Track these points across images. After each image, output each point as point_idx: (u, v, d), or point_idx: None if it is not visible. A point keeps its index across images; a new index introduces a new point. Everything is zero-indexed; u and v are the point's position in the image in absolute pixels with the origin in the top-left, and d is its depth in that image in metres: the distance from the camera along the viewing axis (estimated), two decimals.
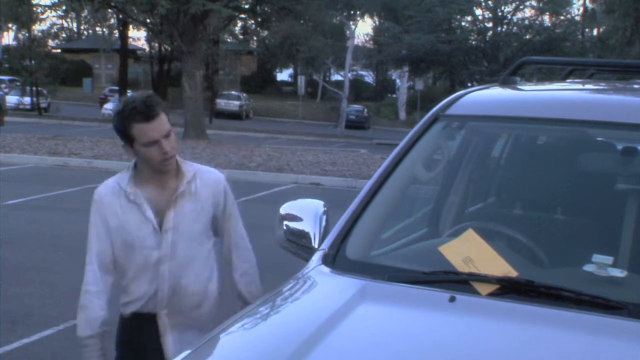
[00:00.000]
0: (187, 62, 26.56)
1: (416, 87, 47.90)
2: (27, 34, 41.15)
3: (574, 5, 52.03)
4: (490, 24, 40.37)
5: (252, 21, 34.49)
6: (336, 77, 60.93)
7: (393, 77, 60.97)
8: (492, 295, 2.13)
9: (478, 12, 40.69)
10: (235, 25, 44.43)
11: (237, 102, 48.09)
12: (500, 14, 39.87)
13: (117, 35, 48.97)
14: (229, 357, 2.07)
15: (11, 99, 38.91)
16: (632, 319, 1.99)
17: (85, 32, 70.86)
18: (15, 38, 52.36)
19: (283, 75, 67.07)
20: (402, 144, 2.86)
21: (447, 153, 3.13)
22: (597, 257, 2.19)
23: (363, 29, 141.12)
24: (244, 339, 2.15)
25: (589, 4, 44.66)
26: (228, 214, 3.10)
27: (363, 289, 2.23)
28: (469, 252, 2.28)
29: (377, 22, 55.93)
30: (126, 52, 42.27)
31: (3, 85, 42.69)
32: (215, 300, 3.10)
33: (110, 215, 2.95)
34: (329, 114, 48.41)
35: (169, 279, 2.96)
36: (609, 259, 2.19)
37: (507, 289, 2.14)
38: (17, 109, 38.06)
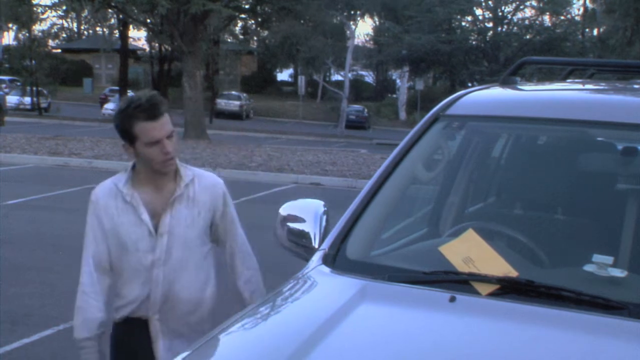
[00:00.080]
0: (188, 62, 26.56)
1: (416, 87, 47.90)
2: (27, 34, 41.17)
3: (574, 5, 52.06)
4: (490, 24, 40.38)
5: (253, 21, 34.53)
6: (336, 77, 60.95)
7: (393, 77, 60.96)
8: (492, 295, 2.13)
9: (478, 12, 40.72)
10: (236, 25, 44.48)
11: (237, 102, 48.09)
12: (500, 14, 39.87)
13: (117, 35, 48.98)
14: (229, 357, 2.07)
15: (11, 99, 38.91)
16: (633, 319, 1.99)
17: (85, 32, 70.87)
18: (16, 38, 52.43)
19: (283, 75, 67.07)
20: (402, 144, 2.86)
21: (448, 153, 3.13)
22: (597, 257, 2.19)
23: (363, 29, 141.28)
24: (244, 339, 2.15)
25: (589, 4, 44.69)
26: (229, 220, 3.05)
27: (363, 289, 2.23)
28: (469, 252, 2.28)
29: (377, 22, 55.92)
30: (126, 52, 42.26)
31: (3, 85, 42.70)
32: (209, 309, 3.04)
33: (105, 216, 2.92)
34: (329, 114, 48.41)
35: (163, 283, 2.92)
36: (609, 259, 2.19)
37: (508, 289, 2.14)
38: (18, 109, 38.07)
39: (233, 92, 49.67)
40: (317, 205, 2.79)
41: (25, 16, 36.97)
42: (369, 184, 2.75)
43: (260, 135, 35.10)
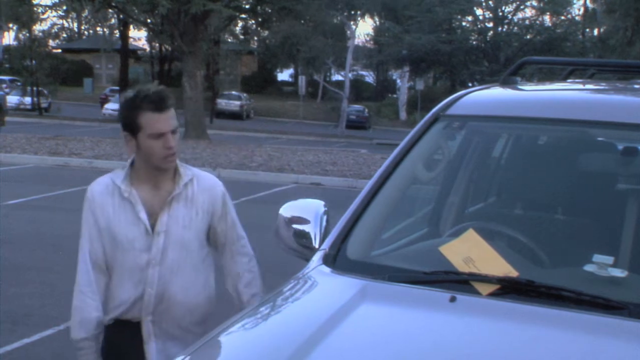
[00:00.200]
0: (188, 62, 26.58)
1: (417, 87, 47.92)
2: (27, 34, 41.18)
3: (575, 5, 52.08)
4: (490, 24, 40.36)
5: (253, 21, 34.55)
6: (337, 77, 60.96)
7: (394, 77, 60.95)
8: (492, 295, 2.13)
9: (479, 12, 40.70)
10: (236, 25, 44.56)
11: (237, 102, 48.09)
12: (500, 14, 39.86)
13: (117, 35, 49.04)
14: (229, 357, 2.07)
15: (12, 99, 38.89)
16: (633, 319, 1.99)
17: (85, 32, 70.88)
18: (16, 38, 52.53)
19: (284, 75, 67.06)
20: (402, 144, 2.86)
21: (448, 153, 3.13)
22: (597, 257, 2.19)
23: (363, 29, 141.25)
24: (244, 339, 2.15)
25: (589, 4, 44.67)
26: (230, 222, 2.99)
27: (364, 289, 2.23)
28: (470, 252, 2.28)
29: (377, 22, 55.91)
30: (127, 52, 42.30)
31: (4, 85, 42.71)
32: (205, 313, 2.98)
33: (101, 213, 2.86)
34: (329, 114, 48.40)
35: (157, 284, 2.85)
36: (609, 259, 2.19)
37: (508, 289, 2.14)
38: (18, 109, 38.05)
39: (233, 92, 49.66)
40: (317, 205, 2.79)
41: (25, 16, 36.99)
42: (369, 184, 2.75)
43: (260, 135, 35.10)
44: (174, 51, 36.29)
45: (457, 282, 2.20)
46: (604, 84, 3.59)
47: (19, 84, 41.81)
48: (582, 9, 45.61)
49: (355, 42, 45.98)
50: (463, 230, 2.46)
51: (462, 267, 2.24)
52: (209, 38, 34.60)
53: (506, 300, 2.11)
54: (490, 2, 39.95)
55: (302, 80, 47.93)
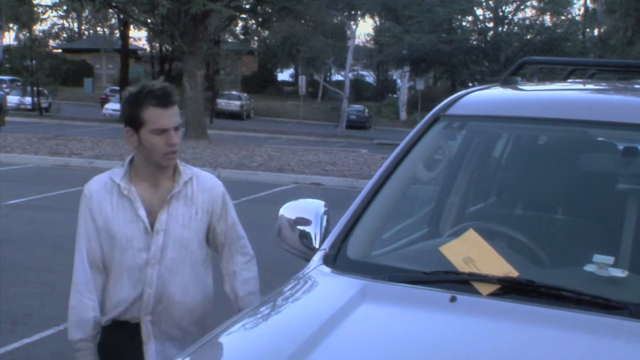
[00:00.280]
0: (188, 62, 26.58)
1: (417, 87, 47.92)
2: (28, 34, 41.14)
3: (575, 5, 52.08)
4: (491, 24, 40.34)
5: (253, 21, 34.57)
6: (337, 77, 60.94)
7: (394, 77, 60.95)
8: (492, 295, 2.13)
9: (479, 12, 40.68)
10: (236, 25, 44.56)
11: (237, 102, 48.09)
12: (501, 14, 39.84)
13: (118, 35, 49.01)
14: (229, 357, 2.07)
15: (12, 99, 38.89)
16: (633, 319, 1.99)
17: (86, 32, 70.87)
18: (16, 38, 52.48)
19: (284, 75, 67.07)
20: (403, 144, 2.86)
21: (448, 153, 3.13)
22: (598, 257, 2.19)
23: (364, 29, 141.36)
24: (244, 339, 2.15)
25: (589, 4, 44.66)
26: (230, 222, 2.96)
27: (364, 289, 2.23)
28: (470, 252, 2.28)
29: (377, 22, 55.89)
30: (127, 52, 42.29)
31: (4, 85, 42.71)
32: (204, 313, 2.95)
33: (99, 212, 2.82)
34: (329, 114, 48.39)
35: (157, 283, 2.81)
36: (609, 259, 2.19)
37: (508, 289, 2.14)
38: (18, 109, 38.05)
39: (234, 92, 49.67)
40: (317, 205, 2.79)
41: (26, 16, 37.00)
42: (369, 184, 2.75)
43: (260, 135, 35.10)
44: (174, 51, 36.30)
45: (458, 282, 2.20)
46: (604, 84, 3.59)
47: (19, 84, 41.82)
48: (582, 9, 45.64)
49: (356, 42, 45.97)
50: (463, 230, 2.46)
51: (463, 267, 2.24)
52: (209, 38, 34.62)
53: (506, 300, 2.11)
54: (491, 2, 39.93)
55: (302, 80, 47.93)
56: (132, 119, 2.77)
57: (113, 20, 51.85)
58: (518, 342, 1.93)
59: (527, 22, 40.15)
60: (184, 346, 2.57)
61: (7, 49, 49.51)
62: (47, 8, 32.10)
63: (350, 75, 46.48)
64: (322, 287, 2.38)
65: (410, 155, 2.81)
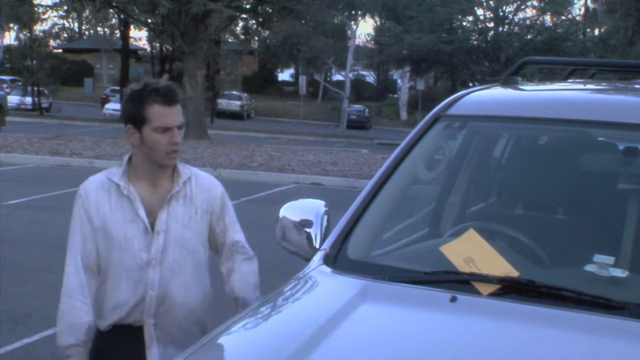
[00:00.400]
0: (189, 62, 26.59)
1: (417, 87, 47.91)
2: (28, 34, 41.15)
3: (575, 5, 52.09)
4: (491, 24, 40.34)
5: (254, 21, 34.54)
6: (337, 77, 60.97)
7: (394, 77, 60.95)
8: (493, 295, 2.13)
9: (479, 12, 40.70)
10: (237, 25, 44.53)
11: (238, 102, 48.11)
12: (501, 14, 39.85)
13: (118, 35, 49.00)
14: (229, 357, 2.07)
15: (13, 99, 38.85)
16: (633, 319, 1.99)
17: (86, 32, 70.90)
18: (17, 38, 52.45)
19: (284, 75, 67.09)
20: (403, 144, 2.85)
21: (449, 153, 3.13)
22: (598, 257, 2.19)
23: (364, 29, 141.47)
24: (245, 339, 2.15)
25: (590, 4, 44.65)
26: (229, 222, 2.93)
27: (364, 289, 2.23)
28: (470, 252, 2.28)
29: (378, 22, 55.89)
30: (127, 52, 42.31)
31: (4, 85, 42.67)
32: (205, 314, 2.91)
33: (96, 212, 2.75)
34: (330, 114, 48.40)
35: (159, 285, 2.76)
36: (610, 259, 2.19)
37: (508, 289, 2.14)
38: (19, 109, 38.06)
39: (234, 92, 49.68)
40: (318, 205, 2.78)
41: (26, 16, 36.99)
42: (370, 184, 2.75)
43: (261, 135, 35.10)
44: (175, 51, 36.30)
45: (458, 282, 2.20)
46: (604, 84, 3.59)
47: (19, 84, 41.85)
48: (582, 9, 45.63)
49: (356, 42, 45.99)
50: (464, 230, 2.46)
51: (463, 267, 2.24)
52: (209, 38, 34.62)
53: (507, 300, 2.10)
54: (491, 2, 39.94)
55: (302, 80, 47.93)
56: (134, 116, 2.73)
57: (113, 20, 51.85)
58: (518, 342, 1.93)
59: (528, 22, 40.17)
60: (184, 347, 2.50)
61: (8, 49, 49.55)
62: (48, 8, 32.16)
63: (350, 75, 46.49)
64: (323, 287, 2.38)
65: (411, 155, 2.81)
